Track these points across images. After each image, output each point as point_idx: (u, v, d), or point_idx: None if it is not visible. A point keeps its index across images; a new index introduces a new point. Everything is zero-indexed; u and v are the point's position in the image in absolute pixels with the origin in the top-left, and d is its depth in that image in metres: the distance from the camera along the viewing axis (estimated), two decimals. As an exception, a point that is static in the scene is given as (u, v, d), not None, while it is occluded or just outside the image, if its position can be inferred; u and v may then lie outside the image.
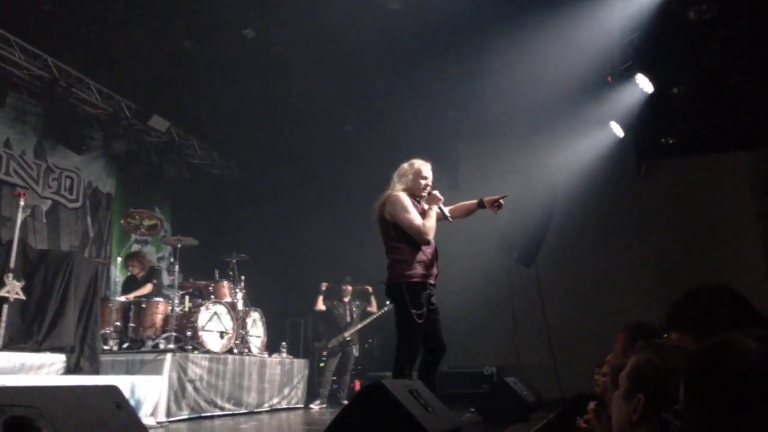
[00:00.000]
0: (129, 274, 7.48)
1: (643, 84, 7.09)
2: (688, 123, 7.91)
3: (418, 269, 3.99)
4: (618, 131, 8.36)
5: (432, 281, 4.10)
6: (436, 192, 4.20)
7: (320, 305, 8.23)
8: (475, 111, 8.91)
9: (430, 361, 4.14)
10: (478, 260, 8.49)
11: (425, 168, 4.28)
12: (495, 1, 6.76)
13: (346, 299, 8.24)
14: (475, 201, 4.44)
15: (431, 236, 4.05)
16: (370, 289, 8.30)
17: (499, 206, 4.39)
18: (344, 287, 8.29)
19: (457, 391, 7.67)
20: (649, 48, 6.66)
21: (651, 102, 7.34)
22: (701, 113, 7.63)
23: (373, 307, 8.32)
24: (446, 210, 4.23)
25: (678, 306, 1.70)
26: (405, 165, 4.33)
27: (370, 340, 9.32)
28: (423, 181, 4.22)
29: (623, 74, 7.28)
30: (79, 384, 4.15)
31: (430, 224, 4.06)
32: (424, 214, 4.11)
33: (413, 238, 4.02)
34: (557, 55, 7.22)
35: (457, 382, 8.01)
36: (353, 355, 8.16)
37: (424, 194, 4.22)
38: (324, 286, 8.29)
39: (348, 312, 8.18)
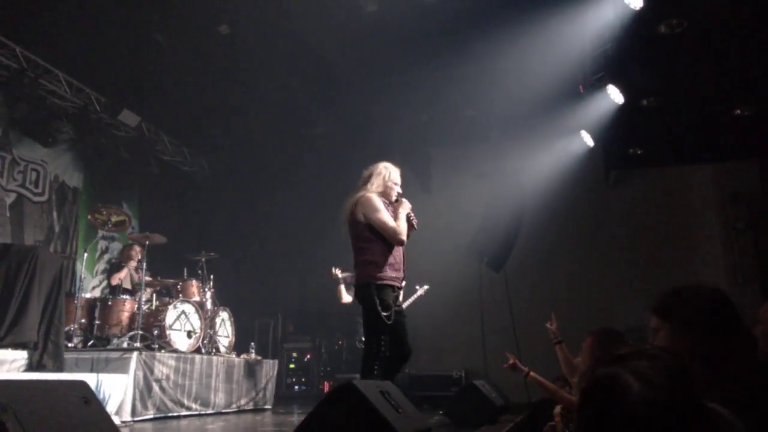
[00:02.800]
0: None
1: (614, 95, 7.23)
2: (656, 134, 8.10)
3: (388, 271, 4.01)
4: (588, 140, 8.52)
5: (399, 284, 4.14)
6: (405, 200, 4.26)
7: (345, 297, 7.12)
8: (448, 116, 8.98)
9: (394, 363, 4.16)
10: (447, 263, 8.56)
11: (396, 173, 4.35)
12: (470, 9, 6.83)
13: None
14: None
15: (405, 238, 4.11)
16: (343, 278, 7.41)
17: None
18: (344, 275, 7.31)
19: (426, 394, 7.70)
20: (620, 60, 6.80)
21: (621, 113, 7.49)
22: (669, 125, 7.82)
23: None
24: (413, 218, 4.33)
25: (667, 295, 1.72)
26: (379, 166, 4.36)
27: (340, 342, 9.30)
28: (395, 186, 4.28)
29: (594, 84, 7.41)
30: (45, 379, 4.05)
31: (404, 226, 4.11)
32: (395, 217, 4.16)
33: (385, 240, 4.05)
34: (531, 63, 7.33)
35: (426, 385, 8.05)
36: None
37: (392, 199, 4.26)
38: (341, 273, 7.14)
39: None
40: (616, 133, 7.92)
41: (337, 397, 3.60)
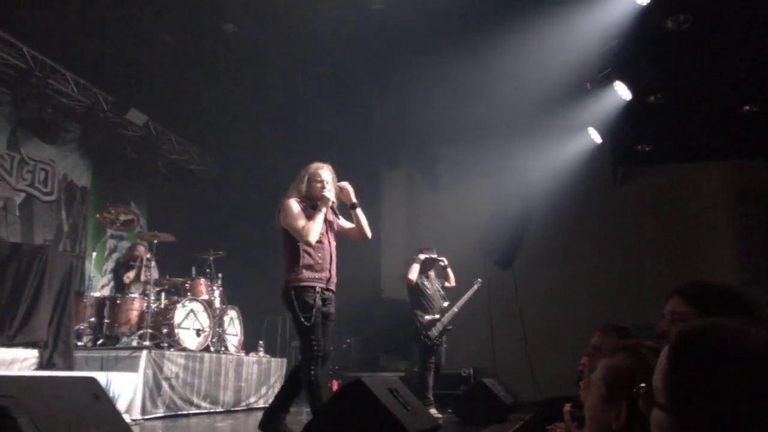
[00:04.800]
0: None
1: (621, 91, 7.19)
2: (664, 131, 8.05)
3: (305, 273, 4.02)
4: (595, 137, 8.48)
5: (323, 285, 4.08)
6: (326, 193, 4.16)
7: (413, 273, 6.47)
8: (454, 114, 8.95)
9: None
10: (455, 262, 8.53)
11: (322, 171, 4.26)
12: (476, 5, 6.81)
13: (433, 272, 6.69)
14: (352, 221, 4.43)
15: (312, 237, 4.02)
16: (445, 261, 6.81)
17: (345, 196, 4.32)
18: (428, 257, 6.63)
19: (434, 392, 7.68)
20: (627, 56, 6.76)
21: (628, 109, 7.45)
22: (677, 122, 7.77)
23: (452, 281, 6.83)
24: (353, 199, 4.30)
25: (696, 283, 1.71)
26: (302, 171, 4.33)
27: (348, 340, 9.30)
28: (318, 184, 4.20)
29: (601, 81, 7.37)
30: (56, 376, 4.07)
31: (313, 225, 4.03)
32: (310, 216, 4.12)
33: (300, 243, 4.06)
34: (537, 60, 7.29)
35: (434, 384, 8.03)
36: (445, 348, 6.65)
37: (320, 196, 4.19)
38: (422, 256, 6.61)
39: (439, 291, 6.61)
40: (624, 129, 7.87)
41: (347, 394, 3.61)
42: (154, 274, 6.88)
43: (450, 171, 9.76)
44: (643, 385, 1.11)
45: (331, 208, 4.19)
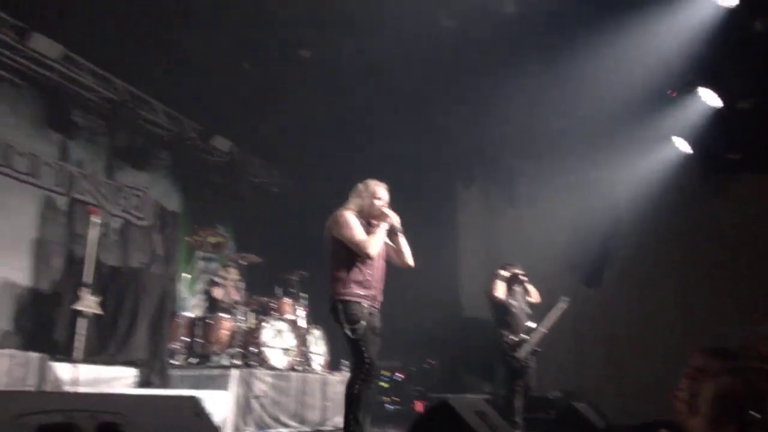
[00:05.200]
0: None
1: (707, 98, 6.90)
2: (754, 138, 7.64)
3: (354, 288, 3.95)
4: (682, 147, 8.13)
5: (370, 303, 4.00)
6: (386, 210, 4.13)
7: (498, 290, 6.18)
8: (532, 127, 8.80)
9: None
10: (537, 281, 8.35)
11: (381, 189, 4.24)
12: (551, 16, 6.73)
13: (519, 289, 6.33)
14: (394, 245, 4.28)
15: (373, 251, 3.96)
16: (525, 277, 6.44)
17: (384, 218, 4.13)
18: (513, 273, 6.32)
19: (522, 416, 7.50)
20: (713, 61, 6.49)
21: (716, 116, 7.13)
22: (769, 128, 7.35)
23: (535, 296, 6.50)
24: (399, 225, 4.17)
25: None
26: (360, 185, 4.30)
27: (431, 361, 9.24)
28: (378, 202, 4.17)
29: (685, 88, 7.11)
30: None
31: (374, 240, 3.98)
32: (369, 232, 4.06)
33: (353, 257, 3.98)
34: (617, 68, 7.10)
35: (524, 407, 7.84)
36: (535, 370, 6.25)
37: (376, 214, 4.16)
38: (507, 272, 6.33)
39: (524, 310, 6.26)
40: (713, 138, 7.52)
41: (434, 416, 3.60)
42: (242, 294, 7.11)
43: (528, 185, 9.58)
44: (758, 415, 1.08)
45: (393, 226, 4.15)
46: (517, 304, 6.26)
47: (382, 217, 4.08)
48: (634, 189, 8.19)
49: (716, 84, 6.70)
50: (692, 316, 7.93)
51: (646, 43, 6.65)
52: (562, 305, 6.30)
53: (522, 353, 6.05)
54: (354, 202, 4.20)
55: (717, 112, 7.00)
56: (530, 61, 7.43)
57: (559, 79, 7.60)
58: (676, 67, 6.94)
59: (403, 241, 4.22)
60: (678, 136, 7.98)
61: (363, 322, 3.86)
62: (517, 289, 6.36)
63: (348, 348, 3.98)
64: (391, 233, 4.15)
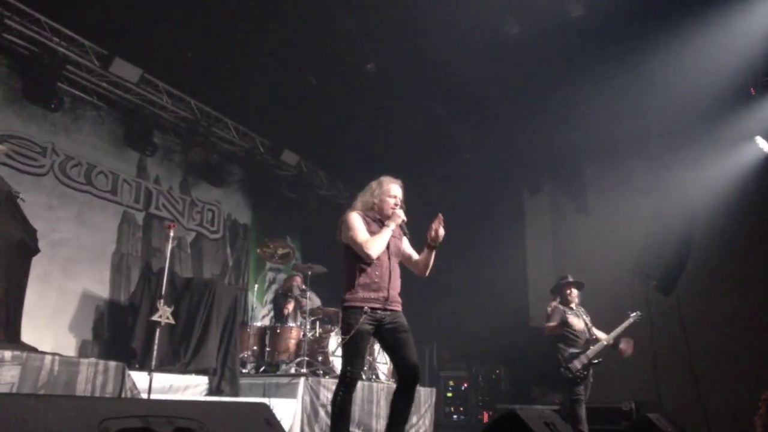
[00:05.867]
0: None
1: (793, 95, 6.53)
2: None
3: (359, 292, 3.72)
4: (764, 147, 7.71)
5: (380, 305, 3.72)
6: (398, 210, 3.89)
7: (551, 325, 6.15)
8: (602, 131, 8.57)
9: (401, 384, 3.78)
10: (611, 288, 8.07)
11: (394, 186, 4.00)
12: (618, 16, 6.54)
13: (574, 305, 6.24)
14: (423, 250, 4.00)
15: (374, 251, 3.71)
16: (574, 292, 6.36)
17: (435, 238, 3.84)
18: (571, 290, 6.25)
19: (593, 427, 7.26)
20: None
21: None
22: None
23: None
24: (406, 229, 3.98)
25: None
26: (373, 182, 4.09)
27: (497, 371, 9.10)
28: (391, 200, 3.94)
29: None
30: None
31: (377, 240, 3.75)
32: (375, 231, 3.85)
33: (359, 260, 3.76)
34: (692, 67, 6.83)
35: (592, 418, 7.57)
36: (591, 382, 6.11)
37: (389, 213, 3.92)
38: (555, 304, 6.29)
39: (582, 322, 6.18)
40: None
41: (501, 426, 3.52)
42: (314, 302, 7.21)
43: (598, 191, 9.32)
44: None
45: (400, 226, 3.93)
46: (575, 317, 6.15)
47: (393, 217, 3.87)
48: (711, 191, 7.82)
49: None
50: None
51: (725, 41, 6.39)
52: (631, 320, 6.17)
53: (576, 365, 5.96)
54: (361, 201, 4.03)
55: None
56: (598, 64, 7.24)
57: (629, 81, 7.38)
58: (757, 64, 6.62)
59: (433, 255, 3.94)
60: (760, 135, 7.57)
61: (355, 332, 3.63)
62: (575, 300, 6.26)
63: (342, 356, 3.87)
64: (427, 246, 3.90)
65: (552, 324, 6.10)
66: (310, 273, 7.25)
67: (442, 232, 3.82)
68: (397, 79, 7.91)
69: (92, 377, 4.47)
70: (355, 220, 3.85)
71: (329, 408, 5.99)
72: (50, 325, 6.68)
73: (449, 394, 9.23)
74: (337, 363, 6.69)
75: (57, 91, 6.97)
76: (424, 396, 7.68)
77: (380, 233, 3.79)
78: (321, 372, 6.52)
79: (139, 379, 4.97)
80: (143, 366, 5.72)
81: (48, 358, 4.14)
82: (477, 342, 9.19)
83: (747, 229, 7.95)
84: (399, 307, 3.85)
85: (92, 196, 7.42)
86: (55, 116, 7.12)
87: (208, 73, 7.74)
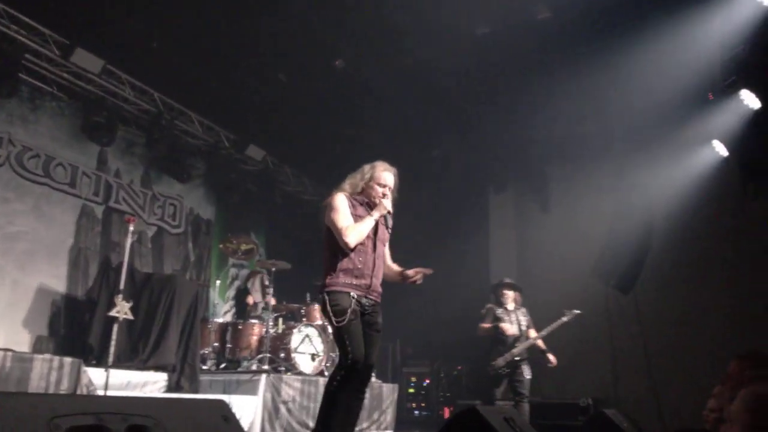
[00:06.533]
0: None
1: (748, 100, 6.72)
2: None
3: (341, 277, 3.58)
4: (721, 150, 7.94)
5: (362, 293, 3.61)
6: (384, 200, 3.74)
7: (487, 323, 6.52)
8: (565, 132, 8.72)
9: (350, 377, 3.58)
10: (572, 286, 8.22)
11: (386, 174, 3.84)
12: (584, 19, 6.65)
13: (510, 306, 6.61)
14: (399, 270, 3.92)
15: (352, 240, 3.57)
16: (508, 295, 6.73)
17: (412, 280, 3.79)
18: (504, 292, 6.66)
19: (551, 423, 7.40)
20: (754, 62, 6.32)
21: (757, 119, 6.93)
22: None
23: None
24: (390, 221, 3.80)
25: None
26: (366, 165, 3.91)
27: (459, 367, 9.18)
28: (380, 188, 3.79)
29: (726, 90, 6.94)
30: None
31: (359, 228, 3.60)
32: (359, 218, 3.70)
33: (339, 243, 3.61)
34: (653, 71, 6.99)
35: (551, 414, 7.73)
36: (527, 378, 6.33)
37: (375, 201, 3.78)
38: (488, 306, 6.72)
39: (516, 323, 6.51)
40: (753, 141, 7.31)
41: (461, 422, 3.54)
42: (272, 300, 7.17)
43: (561, 190, 9.47)
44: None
45: (384, 217, 3.77)
46: (507, 316, 6.49)
47: (378, 207, 3.72)
48: (670, 193, 8.02)
49: (757, 85, 6.52)
50: (731, 323, 7.71)
51: (685, 47, 6.53)
52: (565, 318, 6.42)
53: (500, 362, 6.30)
54: (350, 182, 3.85)
55: (757, 115, 6.81)
56: (563, 66, 7.36)
57: (593, 83, 7.50)
58: (716, 69, 6.80)
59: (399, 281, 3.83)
60: (717, 139, 7.79)
61: (350, 313, 3.51)
62: (510, 301, 6.63)
63: (334, 341, 3.67)
64: (402, 276, 3.82)
65: (485, 325, 6.47)
66: (274, 269, 7.20)
67: (387, 204, 3.73)
68: (366, 75, 7.91)
69: (46, 374, 4.38)
70: (340, 202, 3.69)
71: (290, 405, 5.99)
72: (3, 320, 6.51)
73: (411, 390, 9.28)
74: (299, 359, 6.66)
75: (17, 80, 6.73)
76: (387, 391, 7.70)
77: (362, 222, 3.65)
78: (283, 369, 6.49)
79: (95, 375, 4.88)
80: (100, 362, 5.60)
81: (-1, 354, 4.04)
82: (440, 338, 9.26)
83: (704, 230, 8.17)
84: (379, 298, 3.75)
85: (50, 188, 7.24)
86: (13, 106, 6.92)
87: (173, 66, 7.60)
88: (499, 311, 6.51)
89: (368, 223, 3.67)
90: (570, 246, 8.64)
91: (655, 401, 7.75)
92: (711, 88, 7.16)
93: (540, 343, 6.38)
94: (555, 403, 8.00)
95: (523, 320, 6.54)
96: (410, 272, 3.81)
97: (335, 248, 3.65)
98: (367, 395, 7.22)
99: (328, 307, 3.54)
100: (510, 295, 6.61)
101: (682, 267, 8.23)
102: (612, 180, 8.52)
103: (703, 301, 8.08)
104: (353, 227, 3.60)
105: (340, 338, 3.52)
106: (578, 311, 6.47)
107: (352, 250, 3.62)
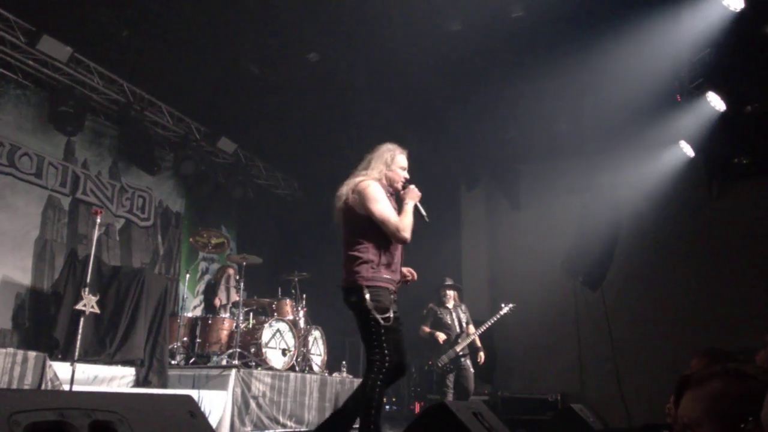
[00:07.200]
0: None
1: (715, 102, 6.87)
2: (762, 142, 7.60)
3: (383, 272, 3.43)
4: (688, 151, 8.11)
5: (393, 288, 3.51)
6: (414, 187, 3.62)
7: (427, 325, 6.89)
8: (536, 131, 8.81)
9: (390, 376, 3.43)
10: (541, 283, 8.33)
11: (402, 156, 3.72)
12: (556, 20, 6.72)
13: (450, 305, 6.89)
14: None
15: (409, 235, 3.46)
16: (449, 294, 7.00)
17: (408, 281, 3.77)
18: (446, 292, 6.92)
19: (519, 418, 7.49)
20: (721, 65, 6.46)
21: (723, 120, 7.10)
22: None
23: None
24: (422, 209, 3.66)
25: None
26: (381, 148, 3.74)
27: (430, 362, 9.22)
28: (402, 172, 3.67)
29: (693, 92, 7.08)
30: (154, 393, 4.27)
31: (408, 221, 3.48)
32: (399, 209, 3.55)
33: (383, 235, 3.45)
34: (623, 72, 7.10)
35: (520, 409, 7.83)
36: (471, 372, 6.61)
37: (398, 187, 3.65)
38: (429, 307, 7.02)
39: (456, 320, 6.80)
40: (719, 142, 7.50)
41: (430, 417, 3.57)
42: (242, 295, 7.11)
43: (532, 189, 9.58)
44: (750, 419, 1.06)
45: (416, 205, 3.62)
46: (448, 315, 6.83)
47: (410, 193, 3.59)
48: (637, 192, 8.17)
49: (724, 88, 6.66)
50: (696, 320, 7.90)
51: (654, 50, 6.64)
52: (503, 311, 6.86)
53: (444, 359, 6.62)
54: (378, 170, 3.63)
55: (723, 116, 6.97)
56: (536, 65, 7.43)
57: (564, 83, 7.59)
58: (683, 71, 6.93)
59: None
60: (684, 140, 7.95)
61: (390, 313, 3.35)
62: (451, 300, 6.94)
63: (369, 342, 3.37)
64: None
65: (425, 328, 6.84)
66: (244, 264, 7.14)
67: (417, 191, 3.62)
68: (340, 70, 7.88)
69: (9, 368, 4.28)
70: (380, 192, 3.48)
71: (261, 400, 5.96)
72: (-35, 313, 6.35)
73: (361, 391, 9.27)
74: (270, 354, 6.63)
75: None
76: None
77: (405, 213, 3.49)
78: (253, 364, 6.45)
79: (61, 370, 4.79)
80: (66, 357, 5.50)
81: (-40, 348, 3.93)
82: (411, 333, 9.27)
83: (670, 228, 8.35)
84: None
85: (15, 178, 7.06)
86: (-25, 93, 6.73)
87: (143, 55, 7.47)
88: (440, 311, 6.85)
89: (411, 213, 3.52)
90: (540, 243, 8.75)
91: (619, 396, 7.90)
92: (679, 90, 7.30)
93: (476, 339, 6.75)
94: (524, 397, 8.10)
95: (463, 317, 6.87)
96: (404, 270, 3.75)
97: (378, 240, 3.46)
98: (339, 390, 7.26)
99: (369, 304, 3.32)
100: (450, 295, 6.94)
101: (648, 264, 8.41)
102: (582, 179, 8.63)
103: (667, 297, 8.27)
104: (405, 222, 3.46)
105: (377, 338, 3.32)
106: (513, 305, 6.88)
107: (405, 243, 3.49)
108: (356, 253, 3.44)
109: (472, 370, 6.62)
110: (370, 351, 3.37)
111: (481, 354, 6.73)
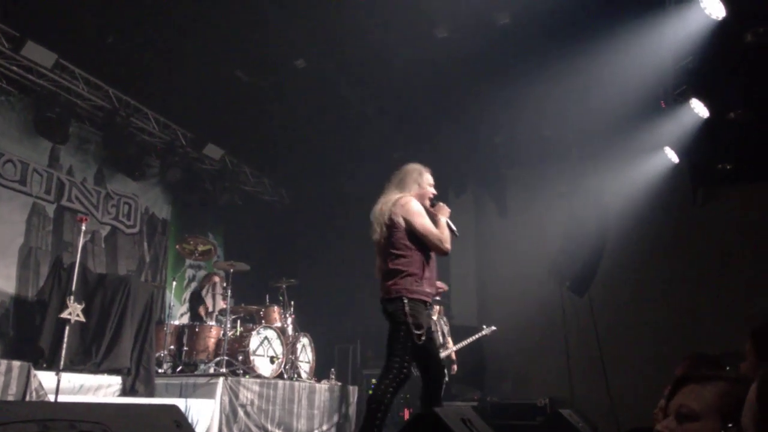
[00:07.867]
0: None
1: (698, 109, 6.94)
2: (745, 149, 7.69)
3: (424, 285, 3.64)
4: (672, 157, 8.19)
5: (429, 301, 3.74)
6: (444, 204, 3.88)
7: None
8: (522, 137, 8.87)
9: (434, 388, 3.76)
10: (529, 289, 8.36)
11: (428, 175, 4.03)
12: (543, 27, 6.77)
13: (434, 316, 6.98)
14: None
15: (450, 246, 3.70)
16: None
17: None
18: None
19: (508, 423, 7.50)
20: (704, 72, 6.52)
21: (706, 127, 7.17)
22: (760, 138, 7.40)
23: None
24: (453, 225, 3.88)
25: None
26: (409, 168, 4.02)
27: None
28: (430, 188, 3.96)
29: (677, 99, 7.14)
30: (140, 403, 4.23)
31: (447, 234, 3.72)
32: (435, 223, 3.77)
33: (424, 249, 3.68)
34: (608, 79, 7.16)
35: (509, 414, 7.84)
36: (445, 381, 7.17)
37: (427, 203, 3.91)
38: None
39: (438, 332, 6.98)
40: (703, 148, 7.56)
41: (419, 424, 3.56)
42: (230, 302, 7.08)
43: (519, 195, 9.62)
44: (730, 425, 1.08)
45: (447, 221, 3.87)
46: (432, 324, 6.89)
47: (441, 210, 3.82)
48: (623, 198, 8.24)
49: (707, 95, 6.73)
50: (681, 325, 7.96)
51: (639, 56, 6.70)
52: (481, 333, 7.09)
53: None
54: (414, 189, 3.89)
55: (707, 123, 7.04)
56: (522, 72, 7.47)
57: (551, 90, 7.64)
58: (667, 78, 6.99)
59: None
60: (669, 146, 8.03)
61: (424, 329, 3.57)
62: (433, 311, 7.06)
63: (394, 347, 3.53)
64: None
65: None
66: (232, 271, 7.11)
67: (447, 207, 3.89)
68: (327, 76, 7.88)
69: (-7, 378, 4.22)
70: (421, 208, 3.74)
71: (249, 408, 5.92)
72: (-53, 322, 6.26)
73: (371, 392, 9.23)
74: (258, 362, 6.59)
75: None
76: (347, 394, 7.69)
77: (442, 227, 3.72)
78: (241, 372, 6.41)
79: (46, 379, 4.73)
80: (51, 366, 5.42)
81: (-58, 358, 3.87)
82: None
83: (655, 233, 8.42)
84: None
85: (-2, 185, 6.99)
86: (-42, 99, 6.66)
87: (129, 61, 7.43)
88: None
89: (446, 228, 3.74)
90: (527, 249, 8.79)
91: (609, 400, 7.94)
92: (663, 97, 7.37)
93: (453, 354, 6.97)
94: (513, 403, 8.11)
95: (445, 329, 7.17)
96: (439, 283, 3.97)
97: (420, 254, 3.66)
98: (328, 397, 7.23)
99: (408, 317, 3.50)
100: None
101: (634, 269, 8.47)
102: (568, 184, 8.69)
103: (653, 303, 8.33)
104: (445, 234, 3.68)
105: (402, 346, 3.50)
106: (494, 327, 7.10)
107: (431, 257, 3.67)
108: (400, 267, 3.64)
109: (446, 379, 6.69)
110: (391, 356, 3.53)
111: (454, 367, 6.95)
